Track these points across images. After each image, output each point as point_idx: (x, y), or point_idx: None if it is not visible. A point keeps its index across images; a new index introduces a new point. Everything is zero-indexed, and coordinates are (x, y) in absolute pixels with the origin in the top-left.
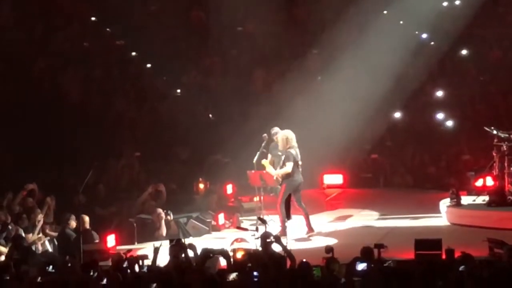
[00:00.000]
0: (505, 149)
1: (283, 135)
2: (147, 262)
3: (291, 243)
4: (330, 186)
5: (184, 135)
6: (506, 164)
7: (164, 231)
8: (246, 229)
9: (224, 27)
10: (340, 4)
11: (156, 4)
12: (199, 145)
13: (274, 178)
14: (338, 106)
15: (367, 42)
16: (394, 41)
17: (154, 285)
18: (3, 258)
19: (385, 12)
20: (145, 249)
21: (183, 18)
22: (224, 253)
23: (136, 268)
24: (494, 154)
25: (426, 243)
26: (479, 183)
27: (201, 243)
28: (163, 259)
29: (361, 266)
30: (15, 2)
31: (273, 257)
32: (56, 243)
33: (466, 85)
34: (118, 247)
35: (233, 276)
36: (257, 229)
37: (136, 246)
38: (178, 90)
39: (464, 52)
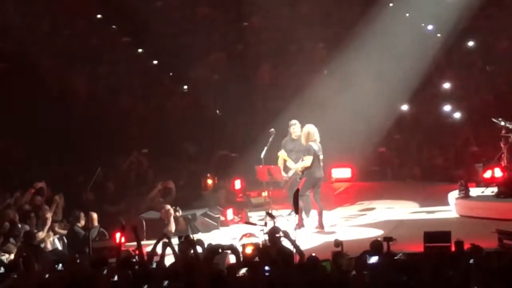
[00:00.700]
0: None
1: (305, 129)
2: (156, 258)
3: (300, 238)
4: (338, 180)
5: (192, 131)
6: None
7: (173, 227)
8: (254, 224)
9: (230, 22)
10: None
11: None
12: (206, 140)
13: (294, 171)
14: (345, 100)
15: (373, 35)
16: (401, 34)
17: (166, 282)
18: (12, 256)
19: (391, 4)
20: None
21: (188, 14)
22: (232, 249)
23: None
24: (502, 145)
25: (435, 236)
26: (487, 174)
27: (210, 238)
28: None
29: (373, 259)
30: (20, 0)
31: (282, 252)
32: (65, 240)
33: (473, 76)
34: (127, 244)
35: (242, 271)
36: (265, 224)
37: (145, 242)
38: (185, 86)
39: (471, 43)
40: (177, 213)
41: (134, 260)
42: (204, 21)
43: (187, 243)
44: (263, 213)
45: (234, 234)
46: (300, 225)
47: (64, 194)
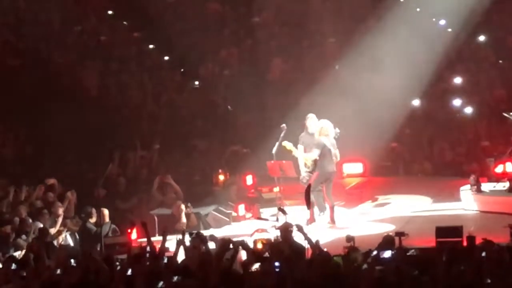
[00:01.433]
0: None
1: (319, 124)
2: (168, 254)
3: (312, 233)
4: (350, 175)
5: (203, 127)
6: None
7: (184, 223)
8: (266, 220)
9: (240, 17)
10: None
11: None
12: (218, 136)
13: (303, 162)
14: (356, 95)
15: (384, 30)
16: (412, 29)
17: (176, 277)
18: (23, 252)
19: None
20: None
21: (199, 10)
22: (243, 245)
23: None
24: None
25: (447, 230)
26: (498, 169)
27: (221, 234)
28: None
29: (386, 254)
30: None
31: (294, 247)
32: (77, 237)
33: (485, 71)
34: (140, 240)
35: (255, 267)
36: (277, 220)
37: (157, 238)
38: (196, 82)
39: (481, 38)
40: (189, 209)
41: (146, 256)
42: (214, 17)
43: (199, 239)
44: (275, 209)
45: (246, 229)
46: (311, 220)
47: (75, 190)
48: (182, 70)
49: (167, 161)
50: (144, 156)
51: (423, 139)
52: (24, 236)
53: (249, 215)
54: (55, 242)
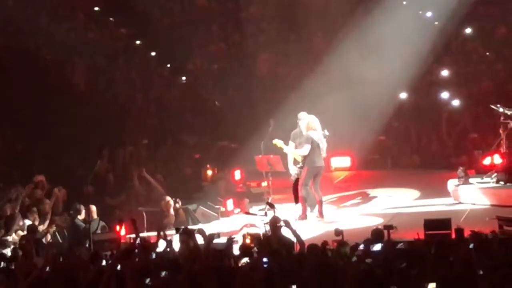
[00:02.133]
0: None
1: (307, 119)
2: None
3: (301, 227)
4: (338, 169)
5: (191, 122)
6: None
7: (173, 219)
8: (255, 214)
9: (228, 12)
10: None
11: None
12: (206, 132)
13: (293, 157)
14: (344, 89)
15: (372, 23)
16: (398, 21)
17: (164, 272)
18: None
19: None
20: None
21: (187, 5)
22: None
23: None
24: (501, 131)
25: (435, 223)
26: (486, 161)
27: (210, 229)
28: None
29: (376, 247)
30: None
31: (282, 241)
32: (65, 233)
33: (472, 63)
34: (128, 236)
35: (243, 261)
36: (266, 214)
37: (145, 234)
38: (184, 78)
39: (468, 30)
40: (177, 205)
41: (134, 252)
42: (202, 12)
43: (186, 235)
44: (264, 205)
45: (234, 224)
46: (303, 217)
47: (64, 187)
48: (169, 65)
49: (156, 156)
50: (132, 151)
51: (411, 132)
52: (13, 233)
53: (237, 210)
54: (43, 240)
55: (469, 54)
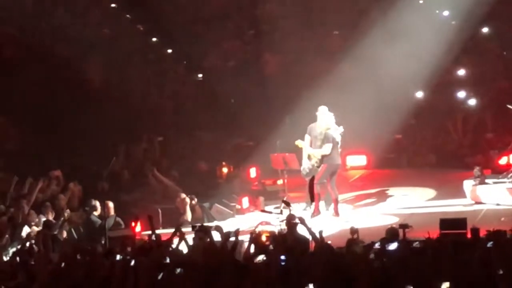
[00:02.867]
0: None
1: (326, 118)
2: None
3: (316, 225)
4: (354, 168)
5: (206, 120)
6: None
7: (189, 216)
8: (270, 212)
9: (243, 9)
10: None
11: None
12: (221, 129)
13: (312, 157)
14: (359, 87)
15: (388, 22)
16: (415, 20)
17: (179, 269)
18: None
19: None
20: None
21: (202, 2)
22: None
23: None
24: None
25: (451, 222)
26: (503, 161)
27: (225, 227)
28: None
29: (392, 246)
30: None
31: (298, 239)
32: (81, 230)
33: (489, 62)
34: (144, 233)
35: (259, 258)
36: (281, 212)
37: (161, 231)
38: (200, 75)
39: (486, 29)
40: (193, 202)
41: (149, 248)
42: (218, 9)
43: (203, 232)
44: (279, 203)
45: (249, 222)
46: (316, 212)
47: (80, 183)
48: (185, 62)
49: (171, 153)
50: (147, 148)
51: (427, 131)
52: (27, 228)
53: (252, 207)
54: (59, 236)
55: (486, 53)
